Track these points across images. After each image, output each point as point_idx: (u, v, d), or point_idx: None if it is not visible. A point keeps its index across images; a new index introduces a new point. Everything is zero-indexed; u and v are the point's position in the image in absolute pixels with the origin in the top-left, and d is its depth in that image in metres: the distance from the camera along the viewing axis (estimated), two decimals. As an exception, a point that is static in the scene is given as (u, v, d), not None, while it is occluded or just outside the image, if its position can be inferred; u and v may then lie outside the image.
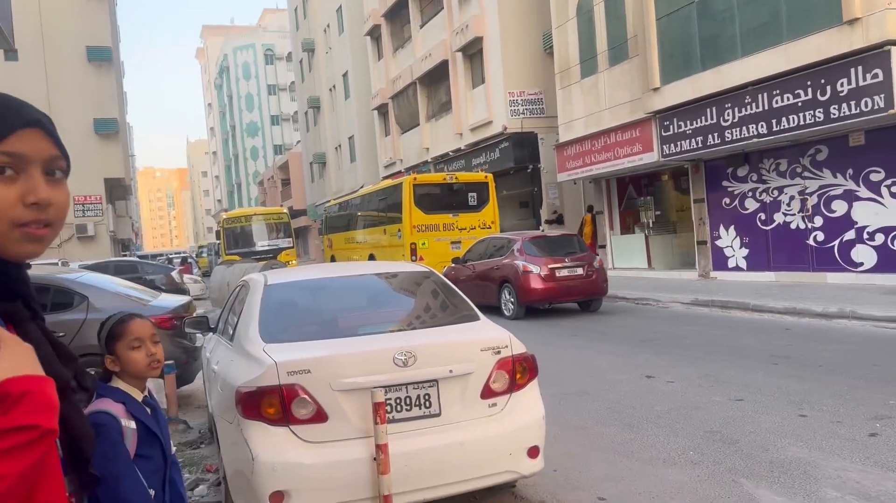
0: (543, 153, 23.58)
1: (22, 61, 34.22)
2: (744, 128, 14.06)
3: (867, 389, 6.41)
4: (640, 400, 6.67)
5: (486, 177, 19.34)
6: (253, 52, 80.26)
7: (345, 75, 40.57)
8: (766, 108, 13.48)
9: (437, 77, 29.19)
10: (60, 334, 6.72)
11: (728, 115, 14.43)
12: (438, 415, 3.75)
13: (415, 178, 18.95)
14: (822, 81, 12.32)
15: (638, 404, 6.52)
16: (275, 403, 3.52)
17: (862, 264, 13.18)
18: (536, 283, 12.69)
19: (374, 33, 35.78)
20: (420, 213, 18.11)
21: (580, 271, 12.96)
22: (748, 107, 13.91)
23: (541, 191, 24.07)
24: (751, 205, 15.46)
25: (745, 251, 15.74)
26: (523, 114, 24.17)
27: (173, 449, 2.39)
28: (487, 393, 3.87)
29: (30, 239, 1.05)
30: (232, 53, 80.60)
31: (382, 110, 35.69)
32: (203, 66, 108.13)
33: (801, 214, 14.29)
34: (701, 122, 15.18)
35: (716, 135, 14.81)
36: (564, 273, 12.89)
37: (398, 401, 3.69)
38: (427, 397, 3.74)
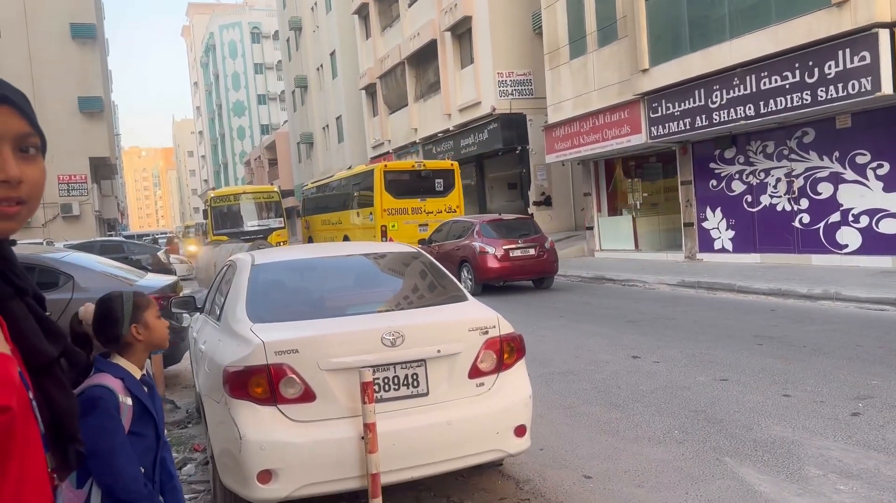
0: (532, 134, 23.55)
1: (4, 38, 33.64)
2: (731, 110, 14.08)
3: (850, 369, 6.49)
4: (626, 380, 6.73)
5: (451, 164, 20.55)
6: (239, 30, 79.29)
7: (332, 54, 40.21)
8: (754, 90, 13.50)
9: (425, 57, 28.99)
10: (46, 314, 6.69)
11: (716, 97, 14.44)
12: (426, 394, 3.76)
13: (385, 166, 20.36)
14: (810, 63, 12.34)
15: (624, 384, 6.58)
16: (262, 383, 3.52)
17: (847, 246, 13.30)
18: (492, 263, 13.80)
19: (362, 12, 35.44)
20: (390, 198, 19.34)
21: (532, 252, 14.09)
22: (736, 89, 13.92)
23: (529, 172, 24.06)
24: (737, 187, 15.53)
25: (731, 233, 15.83)
26: (512, 94, 24.09)
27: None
28: (475, 372, 3.89)
29: (1, 216, 1.04)
30: (218, 31, 79.60)
31: (370, 90, 35.44)
32: (189, 44, 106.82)
33: (787, 196, 14.38)
34: (689, 103, 15.19)
35: (703, 117, 14.83)
36: (518, 253, 13.98)
37: (386, 380, 3.70)
38: (415, 377, 3.76)
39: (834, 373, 6.42)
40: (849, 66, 11.69)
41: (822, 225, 13.73)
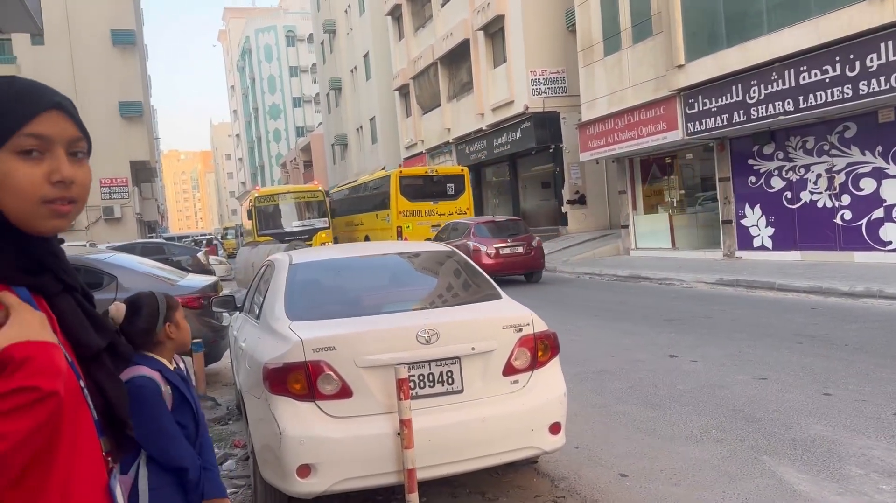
0: (566, 132, 23.43)
1: (48, 45, 34.60)
2: (770, 105, 13.84)
3: (893, 368, 6.35)
4: (663, 379, 6.68)
5: (462, 170, 22.56)
6: (274, 34, 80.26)
7: (366, 56, 40.47)
8: (793, 84, 13.26)
9: (458, 57, 29.02)
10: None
11: (754, 92, 14.22)
12: (461, 391, 3.80)
13: (401, 171, 22.63)
14: (851, 56, 12.07)
15: (660, 383, 6.53)
16: (301, 379, 3.59)
17: (890, 243, 12.98)
18: (485, 260, 15.04)
19: (395, 13, 35.61)
20: (405, 201, 21.31)
21: (521, 249, 15.69)
22: (774, 83, 13.68)
23: (563, 171, 23.94)
24: (777, 183, 15.26)
25: (770, 230, 15.56)
26: (545, 93, 23.99)
27: None
28: (509, 370, 3.91)
29: (56, 215, 1.12)
30: (254, 35, 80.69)
31: (403, 91, 35.59)
32: (225, 48, 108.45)
33: (828, 192, 14.09)
34: (726, 99, 14.97)
35: (741, 112, 14.60)
36: (507, 251, 15.56)
37: (421, 377, 3.74)
38: (450, 374, 3.79)
39: (876, 371, 6.29)
40: (891, 58, 11.41)
41: (864, 221, 13.43)
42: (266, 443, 3.76)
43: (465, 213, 21.12)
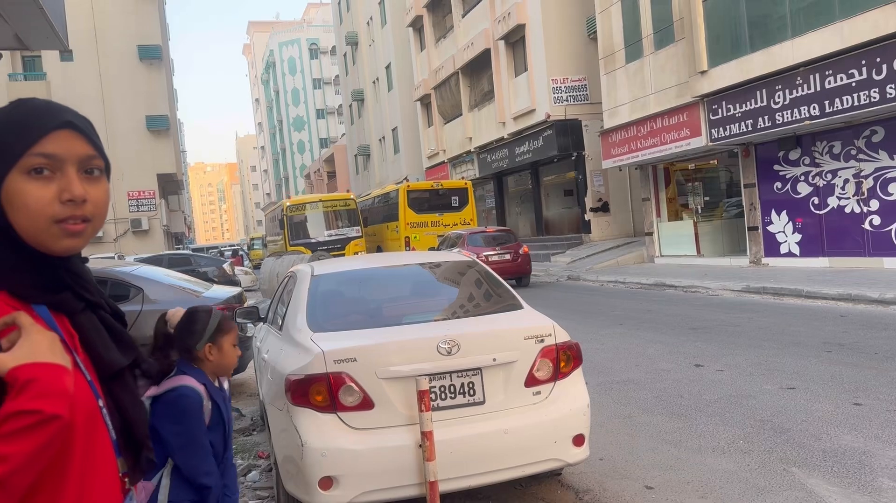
0: (588, 140, 23.35)
1: (77, 61, 35.29)
2: (795, 110, 13.67)
3: (926, 377, 6.21)
4: (689, 388, 6.59)
5: (465, 183, 24.20)
6: (298, 47, 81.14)
7: (388, 67, 40.73)
8: (819, 89, 13.09)
9: (479, 66, 29.08)
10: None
11: (779, 97, 14.05)
12: (482, 402, 3.78)
13: (408, 186, 24.05)
14: (878, 60, 11.89)
15: (686, 393, 6.45)
16: (322, 391, 3.59)
17: (922, 248, 12.72)
18: None
19: (417, 24, 35.81)
20: (412, 213, 22.85)
21: (508, 257, 17.16)
22: (799, 88, 13.51)
23: (585, 178, 23.84)
24: (803, 189, 15.04)
25: (797, 236, 15.34)
26: (567, 101, 23.94)
27: None
28: (531, 381, 3.89)
29: (67, 234, 1.12)
30: (277, 48, 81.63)
31: (425, 101, 35.75)
32: (250, 61, 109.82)
33: (856, 198, 13.86)
34: (750, 104, 14.82)
35: (766, 118, 14.44)
36: (496, 258, 16.78)
37: (442, 389, 3.73)
38: (471, 385, 3.78)
39: (909, 380, 6.15)
40: (920, 60, 11.22)
41: (893, 227, 13.18)
42: (288, 454, 3.76)
43: (469, 224, 22.65)
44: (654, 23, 18.06)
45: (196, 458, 2.16)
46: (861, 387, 6.07)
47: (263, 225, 46.39)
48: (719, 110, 15.78)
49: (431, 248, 19.60)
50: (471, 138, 30.29)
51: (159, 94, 37.56)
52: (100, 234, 34.03)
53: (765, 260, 16.14)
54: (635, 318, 11.35)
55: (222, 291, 8.42)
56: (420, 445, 3.52)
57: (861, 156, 13.70)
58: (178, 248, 40.74)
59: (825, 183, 14.52)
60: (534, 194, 28.04)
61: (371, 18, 43.07)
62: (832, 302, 11.09)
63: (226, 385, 2.46)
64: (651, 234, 20.15)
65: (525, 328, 4.00)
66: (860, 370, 6.66)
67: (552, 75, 23.88)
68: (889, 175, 13.18)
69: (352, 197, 26.25)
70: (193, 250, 37.27)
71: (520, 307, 4.40)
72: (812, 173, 14.80)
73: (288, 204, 25.47)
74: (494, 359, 3.79)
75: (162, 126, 37.08)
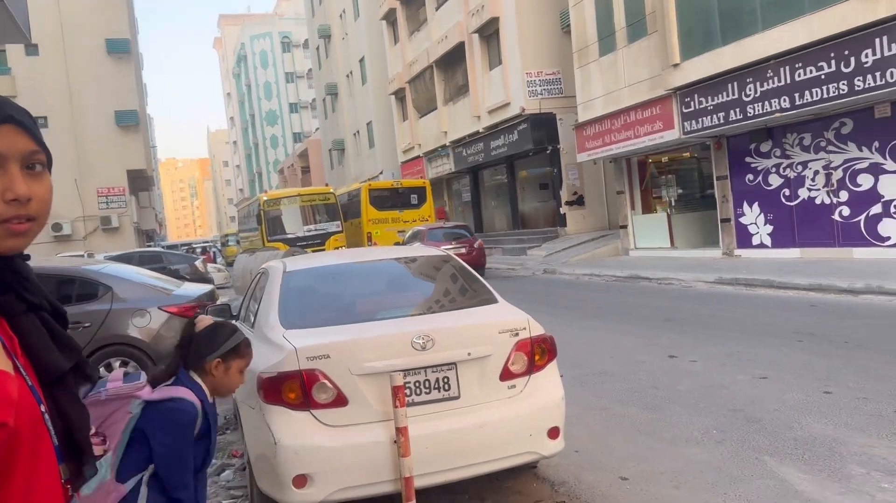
0: (562, 134, 23.41)
1: (42, 55, 34.57)
2: (766, 102, 13.83)
3: (894, 364, 6.32)
4: (663, 380, 6.64)
5: (424, 182, 25.74)
6: (270, 40, 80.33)
7: (361, 61, 40.49)
8: (789, 81, 13.24)
9: (453, 59, 29.03)
10: (86, 324, 6.84)
11: (750, 89, 14.20)
12: (457, 397, 3.76)
13: (370, 184, 25.46)
14: (846, 53, 12.06)
15: (660, 384, 6.50)
16: (295, 388, 3.55)
17: (889, 238, 12.95)
18: None
19: (390, 17, 35.62)
20: (374, 210, 23.94)
21: (464, 250, 17.92)
22: (770, 81, 13.67)
23: (560, 172, 23.93)
24: (774, 180, 15.24)
25: (769, 228, 15.54)
26: (541, 94, 23.98)
27: None
28: (506, 375, 3.88)
29: (11, 234, 1.07)
30: (249, 42, 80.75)
31: (400, 95, 35.60)
32: (221, 55, 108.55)
33: (825, 189, 14.06)
34: (722, 97, 14.96)
35: (738, 110, 14.59)
36: (451, 251, 17.05)
37: (417, 384, 3.71)
38: (446, 380, 3.76)
39: (877, 368, 6.25)
40: (886, 53, 11.40)
41: (862, 217, 13.40)
42: (262, 453, 3.72)
43: (428, 220, 23.61)
44: (626, 16, 18.13)
45: (178, 473, 2.16)
46: (831, 376, 6.16)
47: (236, 220, 45.85)
48: (692, 103, 15.91)
49: (397, 244, 20.17)
50: (446, 132, 30.23)
51: (128, 88, 36.95)
52: (68, 231, 33.43)
53: (737, 251, 16.33)
54: (610, 311, 11.42)
55: (193, 289, 8.31)
56: (395, 441, 3.49)
57: (830, 147, 13.90)
58: (150, 246, 40.19)
59: (796, 174, 14.72)
60: (509, 188, 28.09)
61: (344, 11, 42.74)
62: (803, 292, 11.25)
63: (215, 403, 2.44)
64: (626, 226, 20.29)
65: (499, 322, 3.99)
66: (830, 359, 6.76)
67: (526, 69, 23.90)
68: (858, 166, 13.40)
69: (331, 191, 25.77)
70: (166, 247, 36.78)
71: (494, 301, 4.39)
72: (783, 165, 15.00)
73: (265, 198, 24.64)
74: (469, 354, 3.77)
75: (131, 121, 36.50)
